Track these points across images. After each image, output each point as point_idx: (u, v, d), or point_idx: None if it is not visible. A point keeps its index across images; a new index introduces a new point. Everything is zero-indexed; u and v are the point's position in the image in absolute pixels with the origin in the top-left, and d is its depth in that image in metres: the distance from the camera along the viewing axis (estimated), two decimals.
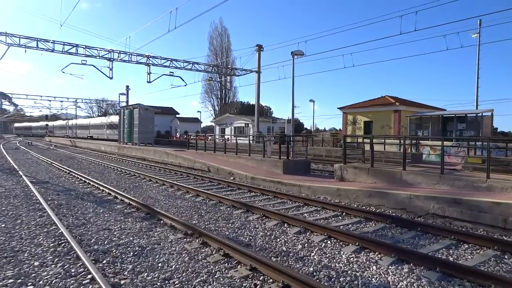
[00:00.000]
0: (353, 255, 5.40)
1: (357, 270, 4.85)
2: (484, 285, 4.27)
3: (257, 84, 31.02)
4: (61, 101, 60.37)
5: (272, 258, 5.26)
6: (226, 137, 40.53)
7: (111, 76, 27.44)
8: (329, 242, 6.05)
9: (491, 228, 6.67)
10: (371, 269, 4.89)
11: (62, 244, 5.74)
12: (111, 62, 27.24)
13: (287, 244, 5.98)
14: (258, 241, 6.11)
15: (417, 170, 10.19)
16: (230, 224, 7.24)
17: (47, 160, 21.76)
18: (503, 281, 4.28)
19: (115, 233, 6.51)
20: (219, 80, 44.16)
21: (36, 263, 4.93)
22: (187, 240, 6.10)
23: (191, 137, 24.41)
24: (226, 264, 4.97)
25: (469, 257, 5.41)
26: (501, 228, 6.54)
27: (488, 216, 6.74)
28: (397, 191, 8.54)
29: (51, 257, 5.18)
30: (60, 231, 6.42)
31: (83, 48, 25.84)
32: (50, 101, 59.26)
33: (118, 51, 27.39)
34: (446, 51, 23.93)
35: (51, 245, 5.73)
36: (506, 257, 5.38)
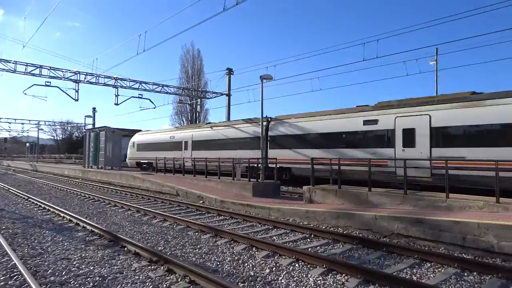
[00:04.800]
0: (321, 278, 5.40)
1: None
2: None
3: (227, 106, 31.24)
4: (22, 124, 57.54)
5: (239, 283, 5.16)
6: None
7: (76, 98, 26.63)
8: (297, 265, 6.03)
9: (452, 246, 6.92)
10: None
11: (15, 277, 5.35)
12: (77, 84, 26.51)
13: (255, 268, 5.89)
14: (226, 266, 5.99)
15: (382, 190, 10.50)
16: (197, 250, 7.06)
17: (4, 186, 20.50)
18: None
19: (74, 262, 6.16)
20: (189, 102, 43.90)
21: None
22: (152, 267, 5.86)
23: (159, 159, 23.78)
24: None
25: (431, 275, 5.56)
26: (460, 246, 6.81)
27: (448, 234, 7.00)
28: (363, 212, 8.72)
29: None
30: (13, 262, 5.99)
31: (47, 69, 25.05)
32: (10, 123, 56.34)
33: (85, 73, 26.78)
34: (406, 76, 25.29)
35: (1, 278, 5.32)
36: (465, 274, 5.57)
